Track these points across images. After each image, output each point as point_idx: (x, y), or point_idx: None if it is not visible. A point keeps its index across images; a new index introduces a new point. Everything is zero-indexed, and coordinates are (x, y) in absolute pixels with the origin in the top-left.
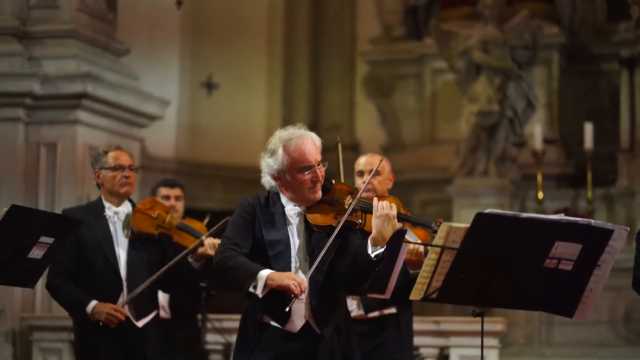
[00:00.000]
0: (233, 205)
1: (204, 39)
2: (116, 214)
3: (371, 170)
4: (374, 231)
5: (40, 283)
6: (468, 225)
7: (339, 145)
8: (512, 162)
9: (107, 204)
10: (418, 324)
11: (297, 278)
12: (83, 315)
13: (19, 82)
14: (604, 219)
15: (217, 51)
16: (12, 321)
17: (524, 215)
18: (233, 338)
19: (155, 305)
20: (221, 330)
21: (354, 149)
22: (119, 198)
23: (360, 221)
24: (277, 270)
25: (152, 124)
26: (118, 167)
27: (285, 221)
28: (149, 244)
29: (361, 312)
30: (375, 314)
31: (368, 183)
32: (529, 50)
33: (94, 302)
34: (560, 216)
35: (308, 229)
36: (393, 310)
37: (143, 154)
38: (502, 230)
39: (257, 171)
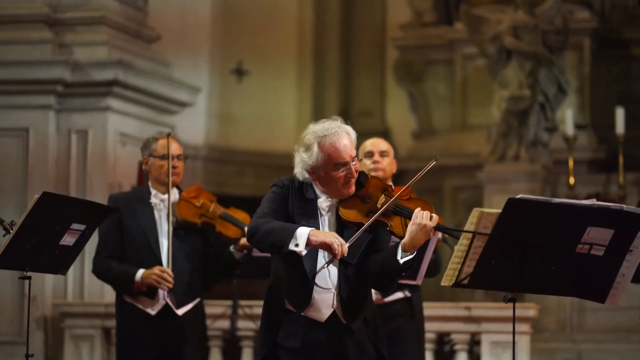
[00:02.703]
0: (264, 191)
1: (234, 26)
2: (162, 201)
3: (381, 152)
4: (407, 237)
5: (72, 270)
6: (500, 210)
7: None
8: (544, 147)
9: (153, 191)
10: (449, 310)
11: (340, 238)
12: (132, 286)
13: (50, 69)
14: (635, 204)
15: (247, 38)
16: (44, 308)
17: (556, 200)
18: None
19: (196, 294)
20: (252, 316)
21: (385, 135)
22: (165, 186)
23: (390, 223)
24: (306, 260)
25: (183, 111)
26: (166, 157)
27: (317, 212)
28: (192, 233)
29: (378, 296)
30: (391, 298)
31: (378, 163)
32: (560, 35)
33: (141, 270)
34: (592, 201)
35: (339, 222)
36: (407, 293)
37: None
38: (534, 215)
39: (288, 157)
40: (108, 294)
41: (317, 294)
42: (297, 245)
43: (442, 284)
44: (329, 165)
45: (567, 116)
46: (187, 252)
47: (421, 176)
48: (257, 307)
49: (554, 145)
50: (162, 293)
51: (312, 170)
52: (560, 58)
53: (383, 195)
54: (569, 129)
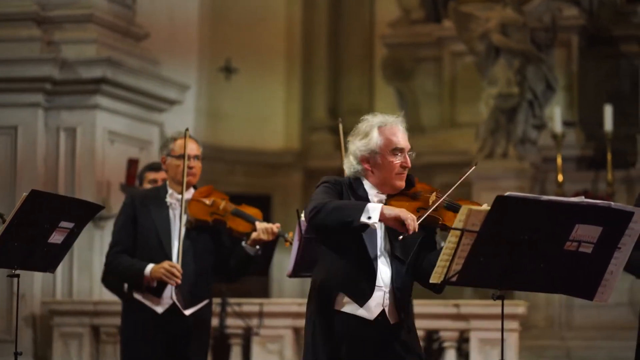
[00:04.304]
0: (254, 189)
1: (222, 24)
2: (178, 201)
3: None
4: None
5: (61, 268)
6: (488, 208)
7: (341, 126)
8: (532, 144)
9: (170, 190)
10: (438, 307)
11: (411, 215)
12: (142, 280)
13: (38, 67)
14: (624, 201)
15: (236, 36)
16: (32, 306)
17: (545, 197)
18: (253, 322)
19: (206, 294)
20: (241, 314)
21: None
22: (182, 186)
23: (443, 217)
24: (358, 252)
25: (172, 108)
26: (183, 156)
27: None
28: (205, 234)
29: None
30: None
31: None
32: (548, 32)
33: (151, 265)
34: (581, 199)
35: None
36: None
37: (162, 139)
38: (523, 213)
39: (278, 155)
40: (96, 292)
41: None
42: (369, 217)
43: (430, 281)
44: (387, 149)
45: (556, 114)
46: (198, 253)
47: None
48: (246, 304)
49: (542, 142)
50: (169, 292)
51: (369, 156)
52: (549, 55)
53: (434, 194)
54: (557, 126)
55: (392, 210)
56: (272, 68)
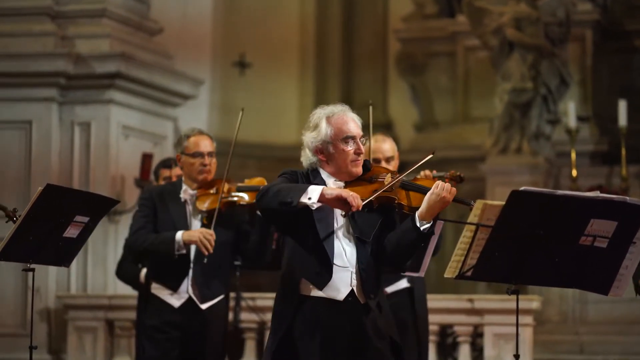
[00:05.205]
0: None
1: (236, 18)
2: (192, 196)
3: (387, 158)
4: (424, 206)
5: (75, 262)
6: (503, 203)
7: (371, 109)
8: (546, 139)
9: (184, 186)
10: (452, 302)
11: (352, 193)
12: (172, 246)
13: (52, 61)
14: (638, 196)
15: (249, 30)
16: (47, 300)
17: (559, 192)
18: (267, 316)
19: (223, 289)
20: (255, 308)
21: (388, 127)
22: (197, 183)
23: (398, 196)
24: (322, 241)
25: (185, 103)
26: (197, 155)
27: None
28: (221, 228)
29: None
30: (392, 288)
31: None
32: (562, 27)
33: (180, 231)
34: (596, 194)
35: None
36: (406, 284)
37: (176, 134)
38: (537, 207)
39: (291, 149)
40: (111, 286)
41: (335, 273)
42: (309, 198)
43: (445, 275)
44: (339, 138)
45: (570, 108)
46: (216, 249)
47: (419, 166)
48: (260, 299)
49: (556, 137)
50: (185, 286)
51: (321, 147)
52: (563, 50)
53: (389, 175)
54: (572, 121)
55: (333, 191)
56: (286, 62)
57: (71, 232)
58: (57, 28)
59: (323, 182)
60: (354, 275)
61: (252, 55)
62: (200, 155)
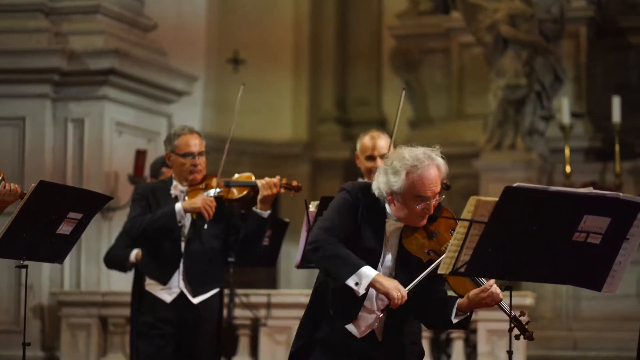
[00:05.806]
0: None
1: (230, 15)
2: (182, 192)
3: (382, 155)
4: (468, 301)
5: (69, 259)
6: (496, 199)
7: (404, 93)
8: (540, 136)
9: (174, 182)
10: None
11: (402, 290)
12: (174, 218)
13: (46, 58)
14: (631, 193)
15: (243, 27)
16: (40, 297)
17: (553, 188)
18: (261, 313)
19: (215, 283)
20: (249, 305)
21: (382, 124)
22: (187, 181)
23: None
24: None
25: (179, 100)
26: (188, 155)
27: (383, 230)
28: (212, 222)
29: None
30: None
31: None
32: (556, 23)
33: (179, 202)
34: (589, 190)
35: (401, 246)
36: None
37: (170, 130)
38: (531, 204)
39: (285, 146)
40: (104, 282)
41: (361, 313)
42: (357, 284)
43: (439, 272)
44: (410, 195)
45: (564, 105)
46: (206, 242)
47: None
48: (254, 295)
49: (550, 134)
50: (176, 281)
51: (392, 194)
52: (557, 47)
53: (445, 247)
54: (566, 117)
55: (383, 286)
56: (280, 59)
57: (64, 228)
58: (51, 24)
59: (383, 216)
60: (379, 320)
61: (246, 52)
62: (191, 155)
